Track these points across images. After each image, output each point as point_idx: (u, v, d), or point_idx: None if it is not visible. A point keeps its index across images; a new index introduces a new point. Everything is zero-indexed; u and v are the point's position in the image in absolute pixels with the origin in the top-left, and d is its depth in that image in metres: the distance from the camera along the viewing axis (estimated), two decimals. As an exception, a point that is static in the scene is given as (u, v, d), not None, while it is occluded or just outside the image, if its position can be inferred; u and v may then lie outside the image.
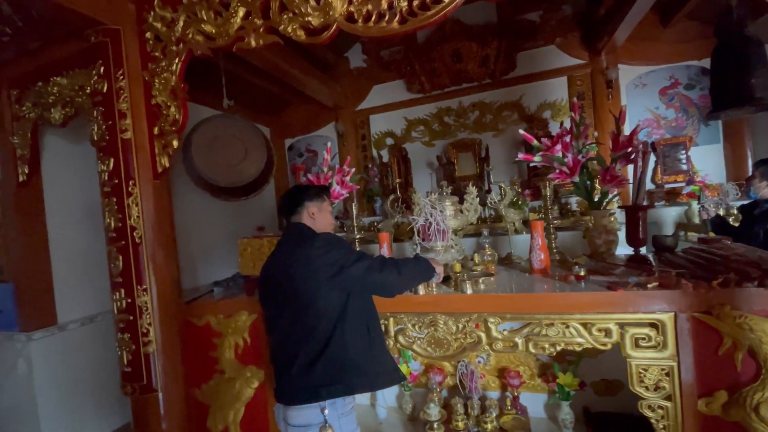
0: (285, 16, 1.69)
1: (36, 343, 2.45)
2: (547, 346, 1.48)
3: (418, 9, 1.54)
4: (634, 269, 1.53)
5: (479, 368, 2.28)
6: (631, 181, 1.74)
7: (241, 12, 1.77)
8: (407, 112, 4.40)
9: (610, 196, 1.85)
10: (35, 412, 2.44)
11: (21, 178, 2.37)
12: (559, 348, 1.47)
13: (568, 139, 1.74)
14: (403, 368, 2.34)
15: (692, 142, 3.49)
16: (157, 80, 1.92)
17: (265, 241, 2.02)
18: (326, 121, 4.69)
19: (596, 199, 1.83)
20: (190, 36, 1.85)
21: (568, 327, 1.45)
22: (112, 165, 1.88)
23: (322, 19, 1.64)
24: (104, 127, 1.89)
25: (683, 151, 3.49)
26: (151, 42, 1.94)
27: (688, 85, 3.55)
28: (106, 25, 1.89)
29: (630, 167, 1.76)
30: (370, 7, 1.58)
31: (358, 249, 1.52)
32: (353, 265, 1.27)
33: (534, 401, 2.25)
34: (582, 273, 1.51)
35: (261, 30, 1.75)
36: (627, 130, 3.60)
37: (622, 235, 1.83)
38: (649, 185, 3.48)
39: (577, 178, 1.78)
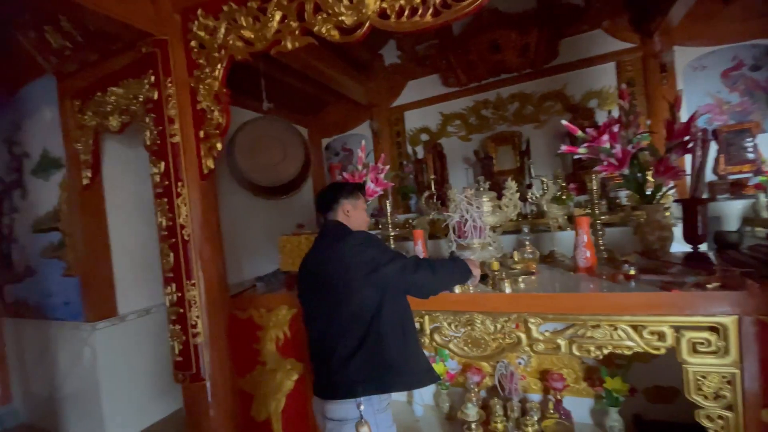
0: (319, 17, 1.72)
1: (99, 332, 2.67)
2: (592, 348, 1.40)
3: (451, 0, 1.50)
4: (692, 268, 1.41)
5: (520, 369, 2.21)
6: (688, 172, 1.60)
7: (278, 16, 1.81)
8: (443, 106, 4.32)
9: (665, 188, 1.71)
10: (98, 396, 2.68)
11: (85, 182, 2.59)
12: (606, 351, 1.39)
13: (616, 128, 1.62)
14: (440, 367, 2.32)
15: (759, 129, 3.14)
16: (201, 86, 2.01)
17: (302, 238, 2.07)
18: (361, 119, 4.72)
19: (648, 193, 1.70)
20: (231, 42, 1.93)
21: (616, 329, 1.36)
22: (162, 168, 2.01)
23: (355, 18, 1.65)
24: (155, 132, 2.02)
25: (749, 139, 3.16)
26: (195, 50, 2.04)
27: (754, 66, 3.20)
28: (155, 36, 2.02)
29: (687, 157, 1.62)
30: (402, 2, 1.57)
31: (393, 248, 1.50)
32: (388, 265, 1.27)
33: (579, 406, 2.15)
34: (632, 272, 1.41)
35: (296, 32, 1.79)
36: (684, 117, 3.34)
37: (678, 231, 1.70)
38: (710, 176, 3.19)
39: (626, 170, 1.66)
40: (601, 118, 3.61)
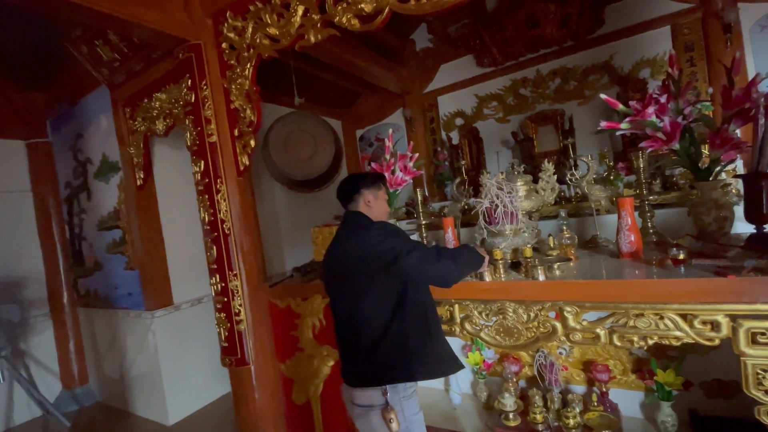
0: (339, 7, 1.71)
1: (158, 320, 2.92)
2: (636, 339, 1.30)
3: (473, -24, 1.43)
4: (753, 251, 1.26)
5: (561, 360, 2.12)
6: (750, 144, 1.42)
7: (300, 10, 1.83)
8: (478, 88, 4.16)
9: (723, 163, 1.53)
10: (160, 377, 2.94)
11: (139, 182, 2.82)
12: (651, 342, 1.29)
13: (663, 99, 1.48)
14: (476, 356, 2.29)
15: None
16: (233, 86, 2.10)
17: (334, 229, 2.10)
18: (394, 108, 4.68)
19: (703, 168, 1.53)
20: (258, 41, 1.98)
21: (662, 318, 1.26)
22: (202, 166, 2.13)
23: (375, 5, 1.63)
24: (195, 132, 2.14)
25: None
26: (226, 51, 2.12)
27: (830, 21, 2.75)
28: (189, 42, 2.12)
29: (750, 127, 1.44)
30: (422, -18, 1.52)
31: (414, 238, 1.48)
32: (408, 255, 1.26)
33: (627, 399, 2.02)
34: (681, 256, 1.29)
35: (318, 24, 1.80)
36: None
37: (740, 210, 1.52)
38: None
39: (677, 145, 1.51)
40: (655, 88, 3.31)
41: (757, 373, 1.15)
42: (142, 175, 2.80)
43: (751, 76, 3.13)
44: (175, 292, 3.06)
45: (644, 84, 3.38)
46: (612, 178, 2.44)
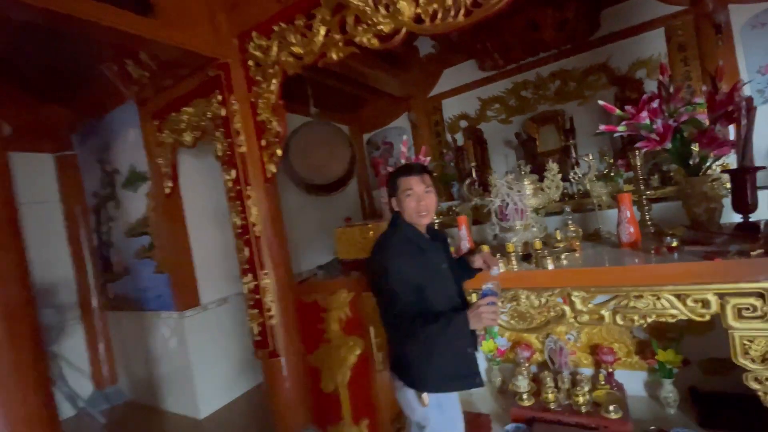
0: (359, 28, 1.89)
1: (187, 320, 3.11)
2: (636, 318, 1.47)
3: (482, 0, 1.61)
4: (740, 238, 1.43)
5: (569, 345, 2.29)
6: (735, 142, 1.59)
7: (323, 30, 2.01)
8: (481, 91, 4.33)
9: (711, 159, 1.70)
10: (191, 374, 3.12)
11: (166, 191, 3.00)
12: (650, 320, 1.46)
13: (655, 104, 1.65)
14: (490, 344, 2.46)
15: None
16: (260, 100, 2.27)
17: (356, 229, 2.29)
18: (399, 112, 4.84)
19: (693, 165, 1.70)
20: (283, 58, 2.16)
21: (659, 299, 1.43)
22: (234, 174, 2.31)
23: (393, 25, 1.80)
24: (225, 144, 2.32)
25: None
26: (253, 68, 2.30)
27: (820, 19, 2.92)
28: (219, 60, 2.30)
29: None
30: (435, 6, 1.69)
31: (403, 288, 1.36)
32: (384, 309, 1.41)
33: (631, 379, 2.19)
34: (674, 244, 1.46)
35: (340, 44, 1.98)
36: (744, 78, 3.12)
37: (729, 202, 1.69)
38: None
39: (669, 145, 1.68)
40: (651, 87, 3.47)
41: (744, 344, 1.32)
42: (170, 184, 2.98)
43: (741, 73, 3.30)
44: (202, 293, 3.24)
45: (640, 84, 3.53)
46: (612, 174, 2.61)
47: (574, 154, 3.68)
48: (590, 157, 2.27)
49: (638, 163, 1.98)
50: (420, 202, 1.46)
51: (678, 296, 1.40)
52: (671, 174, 2.82)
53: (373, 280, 1.44)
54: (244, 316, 3.36)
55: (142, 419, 3.35)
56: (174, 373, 3.28)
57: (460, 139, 4.41)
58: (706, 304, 1.37)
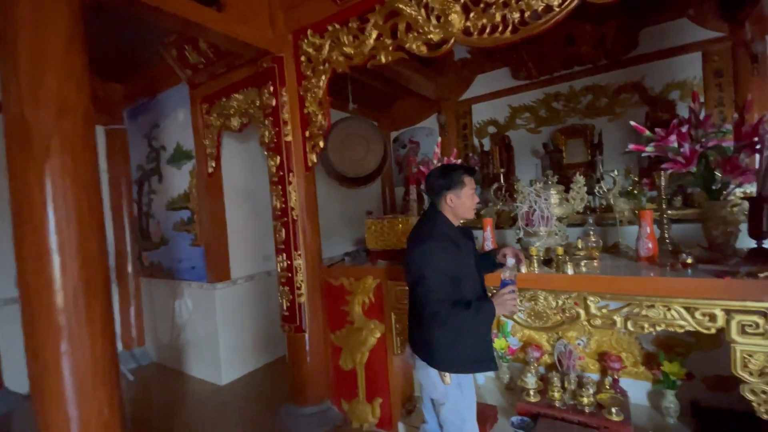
0: (410, 35, 2.04)
1: (218, 291, 3.33)
2: (646, 326, 1.59)
3: (529, 19, 1.73)
4: (751, 261, 1.53)
5: (578, 350, 2.40)
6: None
7: (374, 34, 2.17)
8: (512, 99, 4.41)
9: (732, 186, 1.79)
10: (217, 342, 3.35)
11: (209, 170, 3.22)
12: (659, 328, 1.57)
13: (684, 129, 1.75)
14: (502, 342, 2.59)
15: None
16: (308, 94, 2.45)
17: (385, 222, 2.45)
18: (429, 113, 4.96)
19: (715, 189, 1.80)
20: (334, 57, 2.33)
21: (669, 309, 1.55)
22: (278, 161, 2.50)
23: (442, 35, 1.95)
24: (273, 132, 2.51)
25: None
26: (304, 64, 2.48)
27: None
28: (273, 54, 2.49)
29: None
30: (485, 20, 1.83)
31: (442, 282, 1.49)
32: (423, 296, 1.47)
33: (636, 388, 2.30)
34: (689, 260, 1.57)
35: (390, 48, 2.13)
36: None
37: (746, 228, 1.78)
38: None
39: (694, 168, 1.78)
40: (683, 110, 3.51)
41: (744, 358, 1.43)
42: (213, 164, 3.20)
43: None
44: (233, 268, 3.46)
45: (673, 105, 3.58)
46: (636, 192, 2.70)
47: (601, 169, 3.76)
48: (616, 173, 2.36)
49: (662, 184, 2.08)
50: (476, 201, 1.64)
51: (687, 309, 1.52)
52: (694, 197, 2.90)
53: (413, 269, 1.54)
54: (268, 294, 3.59)
55: (167, 380, 3.60)
56: (201, 340, 3.52)
57: (486, 144, 4.52)
58: (712, 318, 1.48)
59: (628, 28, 3.60)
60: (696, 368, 2.10)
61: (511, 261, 1.57)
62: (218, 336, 3.34)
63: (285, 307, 2.55)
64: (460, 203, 1.60)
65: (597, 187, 2.40)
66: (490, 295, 1.64)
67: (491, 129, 4.57)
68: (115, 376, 1.72)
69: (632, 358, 2.31)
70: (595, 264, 1.87)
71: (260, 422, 2.66)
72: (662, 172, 2.08)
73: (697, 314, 1.50)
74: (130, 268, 4.13)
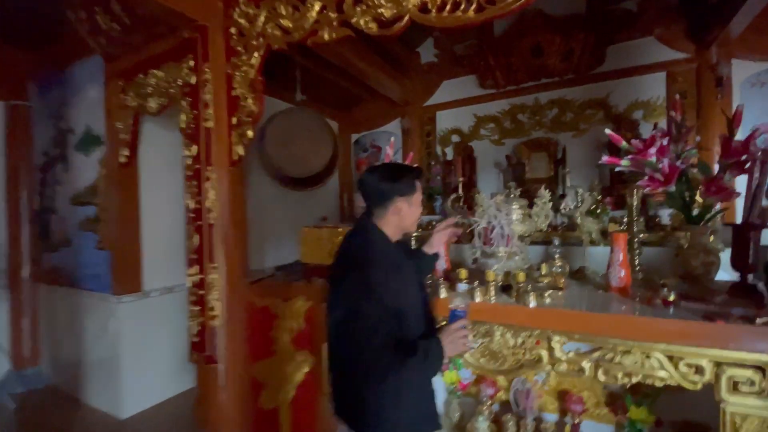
0: (358, 9, 1.69)
1: (124, 305, 2.78)
2: (620, 375, 1.30)
3: (497, -4, 1.43)
4: (740, 299, 1.29)
5: (537, 387, 2.11)
6: (744, 194, 1.46)
7: (317, 6, 1.80)
8: (477, 108, 4.22)
9: (713, 211, 1.57)
10: (119, 366, 2.78)
11: (122, 160, 2.68)
12: (635, 380, 1.29)
13: (665, 141, 1.51)
14: (453, 375, 2.26)
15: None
16: (237, 73, 2.03)
17: (324, 231, 2.06)
18: (392, 117, 4.68)
19: (695, 213, 1.57)
20: (269, 31, 1.94)
21: (648, 357, 1.26)
22: (195, 151, 2.05)
23: (395, 11, 1.61)
24: (191, 115, 2.06)
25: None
26: (234, 37, 2.06)
27: (820, 86, 2.94)
28: (197, 22, 2.05)
29: (740, 178, 1.49)
30: (445, -5, 1.52)
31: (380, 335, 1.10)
32: (357, 342, 1.10)
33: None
34: (671, 297, 1.30)
35: (335, 23, 1.77)
36: (738, 135, 3.11)
37: (725, 257, 1.56)
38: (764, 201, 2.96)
39: (673, 188, 1.54)
40: (646, 130, 3.43)
41: (734, 421, 1.16)
42: (126, 153, 2.67)
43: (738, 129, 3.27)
44: (147, 278, 2.92)
45: (636, 125, 3.50)
46: (598, 211, 2.49)
47: (568, 184, 3.60)
48: (581, 190, 2.12)
49: (635, 203, 1.85)
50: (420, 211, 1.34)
51: (670, 358, 1.24)
52: (657, 219, 2.74)
53: (343, 304, 1.17)
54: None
55: (58, 410, 2.96)
56: (101, 363, 2.92)
57: (450, 153, 4.28)
58: (699, 370, 1.21)
59: (596, 43, 3.52)
60: (665, 412, 1.86)
61: (462, 288, 1.24)
62: (120, 359, 2.77)
63: (194, 332, 2.08)
64: (411, 213, 1.28)
65: (563, 204, 2.14)
66: (438, 327, 1.31)
67: (455, 138, 4.35)
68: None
69: (594, 398, 2.04)
70: (560, 294, 1.58)
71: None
72: (635, 190, 1.85)
73: (682, 365, 1.23)
74: (26, 272, 3.44)
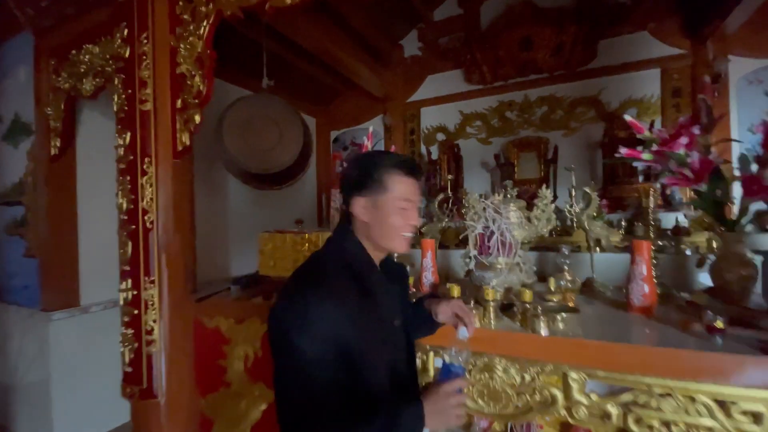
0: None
1: (57, 323, 2.35)
2: (656, 424, 1.02)
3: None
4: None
5: (538, 419, 1.82)
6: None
7: (277, -38, 1.48)
8: (463, 105, 3.98)
9: (748, 215, 1.33)
10: (49, 393, 2.35)
11: (53, 152, 2.27)
12: (675, 430, 1.01)
13: (696, 130, 1.25)
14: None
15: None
16: (183, 46, 1.68)
17: (288, 237, 1.72)
18: (374, 113, 4.40)
19: (733, 218, 1.32)
20: (221, -7, 1.60)
21: (693, 401, 0.98)
22: (128, 139, 1.68)
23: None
24: (124, 96, 1.70)
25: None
26: (180, 3, 1.71)
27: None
28: (133, -18, 1.69)
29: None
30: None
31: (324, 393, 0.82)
32: (292, 392, 0.84)
33: (606, 470, 1.76)
34: (719, 324, 1.03)
35: (298, -17, 1.45)
36: (734, 134, 2.95)
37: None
38: None
39: (704, 186, 1.29)
40: (684, 117, 3.25)
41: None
42: (58, 144, 2.26)
43: (732, 128, 3.12)
44: (85, 291, 2.49)
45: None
46: (594, 215, 2.25)
47: (554, 186, 3.40)
48: (590, 190, 1.86)
49: (651, 205, 1.59)
50: (411, 221, 0.95)
51: (721, 403, 0.97)
52: (657, 223, 2.52)
53: (270, 332, 0.88)
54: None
55: (-27, 448, 2.50)
56: (29, 388, 2.48)
57: (435, 152, 4.01)
58: (758, 418, 0.94)
59: (588, 37, 3.33)
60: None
61: (464, 332, 0.92)
62: (51, 384, 2.34)
63: (127, 360, 1.70)
64: (378, 220, 0.92)
65: (567, 206, 1.87)
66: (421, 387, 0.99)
67: (440, 136, 4.09)
68: None
69: None
70: (575, 317, 1.29)
71: None
72: (651, 190, 1.60)
73: (736, 412, 0.95)
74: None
